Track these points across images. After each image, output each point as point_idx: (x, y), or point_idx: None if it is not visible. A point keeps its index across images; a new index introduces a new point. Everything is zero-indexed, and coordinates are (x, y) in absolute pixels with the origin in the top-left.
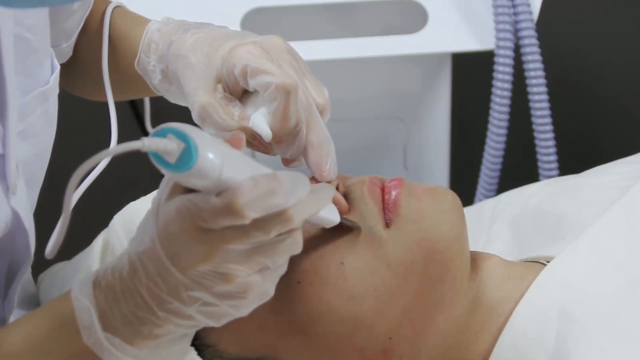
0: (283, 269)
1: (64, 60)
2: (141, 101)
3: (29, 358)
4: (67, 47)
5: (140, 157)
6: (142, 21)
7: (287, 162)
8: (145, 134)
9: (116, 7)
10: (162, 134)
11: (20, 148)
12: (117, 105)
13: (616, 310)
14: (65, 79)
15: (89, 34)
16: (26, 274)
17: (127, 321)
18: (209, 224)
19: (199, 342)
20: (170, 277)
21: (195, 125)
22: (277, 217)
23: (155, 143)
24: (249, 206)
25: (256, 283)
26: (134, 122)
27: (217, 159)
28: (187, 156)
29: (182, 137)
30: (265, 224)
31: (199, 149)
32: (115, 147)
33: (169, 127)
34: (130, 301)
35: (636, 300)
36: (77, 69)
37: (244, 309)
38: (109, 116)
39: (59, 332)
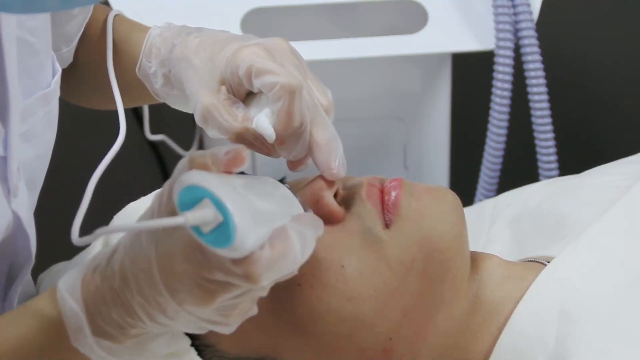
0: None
1: (64, 66)
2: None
3: (17, 358)
4: (67, 53)
5: (139, 158)
6: (143, 28)
7: (292, 165)
8: (144, 136)
9: (116, 14)
10: (196, 194)
11: (21, 150)
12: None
13: (616, 310)
14: (64, 86)
15: (89, 41)
16: (27, 276)
17: (117, 325)
18: (217, 278)
19: (198, 342)
20: (166, 304)
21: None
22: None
23: (198, 217)
24: (262, 275)
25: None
26: (134, 123)
27: (254, 240)
28: (223, 233)
29: (220, 208)
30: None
31: (237, 229)
32: (156, 221)
33: (204, 187)
34: (120, 309)
35: (636, 300)
36: (75, 76)
37: (230, 329)
38: (108, 118)
39: (46, 333)
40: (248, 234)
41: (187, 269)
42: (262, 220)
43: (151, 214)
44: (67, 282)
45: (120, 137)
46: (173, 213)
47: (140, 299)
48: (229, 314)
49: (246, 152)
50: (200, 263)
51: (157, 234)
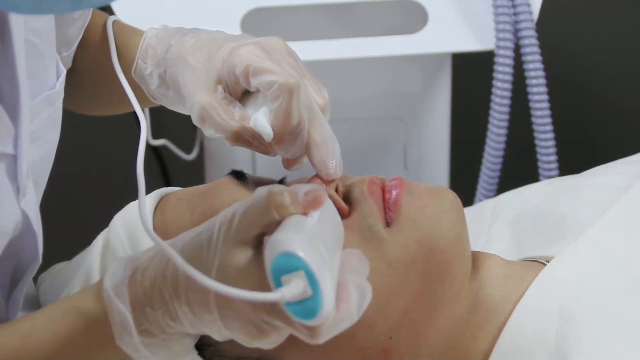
0: None
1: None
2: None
3: (59, 356)
4: (67, 57)
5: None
6: (139, 33)
7: (289, 163)
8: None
9: (114, 20)
10: (291, 262)
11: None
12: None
13: (616, 310)
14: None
15: (87, 46)
16: (32, 276)
17: (159, 326)
18: (275, 324)
19: (199, 341)
20: (212, 322)
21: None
22: None
23: (292, 294)
24: (325, 336)
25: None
26: (135, 127)
27: (331, 310)
28: (310, 307)
29: (312, 284)
30: None
31: (324, 307)
32: (250, 293)
33: (302, 259)
34: (165, 312)
35: (636, 299)
36: (74, 82)
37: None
38: (108, 120)
39: (89, 332)
40: (330, 307)
41: (248, 310)
42: (335, 281)
43: (216, 235)
44: (113, 280)
45: (143, 132)
46: (244, 242)
47: (187, 310)
48: (273, 345)
49: (325, 195)
50: (264, 308)
51: (219, 258)
